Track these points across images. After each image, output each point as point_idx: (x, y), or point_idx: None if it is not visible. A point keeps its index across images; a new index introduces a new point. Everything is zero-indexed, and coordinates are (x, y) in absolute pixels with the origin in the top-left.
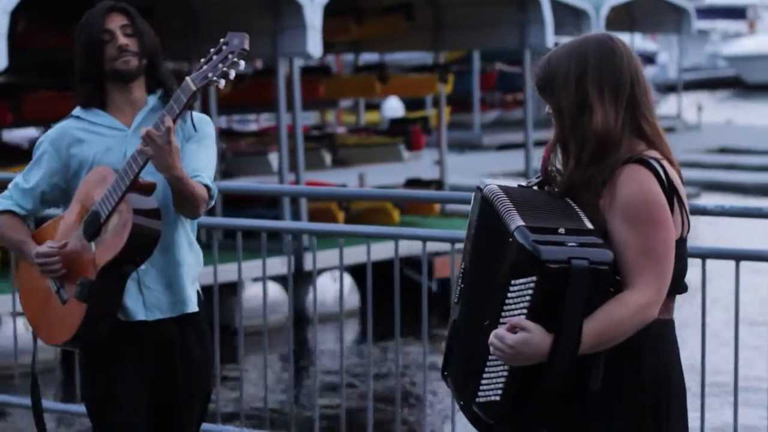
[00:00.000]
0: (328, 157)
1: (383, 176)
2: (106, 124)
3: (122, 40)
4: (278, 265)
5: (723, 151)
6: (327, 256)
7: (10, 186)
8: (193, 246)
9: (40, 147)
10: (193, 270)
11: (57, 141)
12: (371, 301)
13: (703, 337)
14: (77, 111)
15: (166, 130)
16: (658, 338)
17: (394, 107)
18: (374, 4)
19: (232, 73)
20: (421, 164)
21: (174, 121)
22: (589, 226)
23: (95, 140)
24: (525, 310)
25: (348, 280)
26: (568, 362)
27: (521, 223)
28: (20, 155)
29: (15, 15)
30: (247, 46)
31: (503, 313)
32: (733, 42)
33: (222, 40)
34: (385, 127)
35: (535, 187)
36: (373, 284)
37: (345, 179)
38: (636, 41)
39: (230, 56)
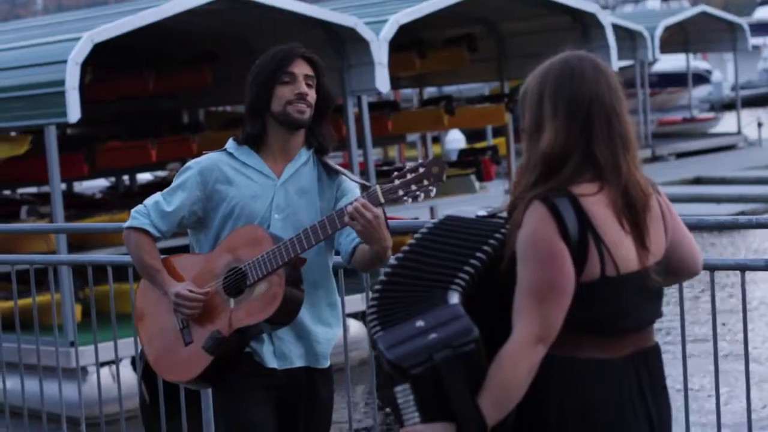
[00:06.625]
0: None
1: (454, 208)
2: (257, 168)
3: (303, 88)
4: (358, 301)
5: None
6: None
7: (148, 203)
8: (334, 308)
9: (187, 172)
10: (329, 332)
11: (205, 171)
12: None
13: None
14: (230, 146)
15: (365, 205)
16: (570, 377)
17: (456, 139)
18: (436, 37)
19: (422, 197)
20: (491, 195)
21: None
22: (452, 300)
23: (244, 183)
24: (417, 413)
25: None
26: None
27: (380, 331)
28: (93, 205)
29: (83, 67)
30: (445, 178)
31: (403, 417)
32: None
33: (420, 161)
34: (450, 158)
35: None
36: None
37: (417, 213)
38: (689, 61)
39: (425, 182)
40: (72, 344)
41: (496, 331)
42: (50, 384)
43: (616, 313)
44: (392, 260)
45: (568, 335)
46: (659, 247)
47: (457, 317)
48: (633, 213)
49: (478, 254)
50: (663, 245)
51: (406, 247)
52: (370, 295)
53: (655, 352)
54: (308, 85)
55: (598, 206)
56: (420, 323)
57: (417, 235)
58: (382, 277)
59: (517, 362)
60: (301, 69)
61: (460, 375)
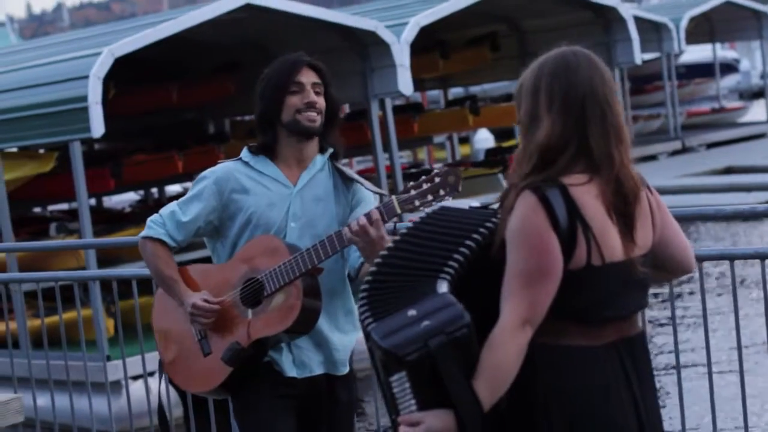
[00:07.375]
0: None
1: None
2: (272, 176)
3: (312, 96)
4: None
5: None
6: None
7: (164, 213)
8: (350, 314)
9: (202, 182)
10: (345, 338)
11: (221, 181)
12: None
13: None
14: (245, 155)
15: (375, 222)
16: (555, 362)
17: (485, 138)
18: (459, 37)
19: (437, 206)
20: None
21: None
22: (441, 289)
23: (260, 192)
24: (414, 401)
25: None
26: (480, 425)
27: (373, 323)
28: (122, 219)
29: (105, 82)
30: (460, 188)
31: (399, 406)
32: None
33: (435, 170)
34: (478, 158)
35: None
36: None
37: None
38: (717, 50)
39: (441, 191)
40: (109, 358)
41: (489, 317)
42: (81, 399)
43: (600, 301)
44: (383, 251)
45: (554, 323)
46: (645, 241)
47: (448, 305)
48: (623, 203)
49: (468, 242)
50: (650, 239)
51: (397, 238)
52: (362, 286)
53: (640, 339)
54: (316, 93)
55: (588, 196)
56: (412, 312)
57: (408, 226)
58: (372, 268)
59: (507, 343)
60: (308, 77)
61: (454, 360)
